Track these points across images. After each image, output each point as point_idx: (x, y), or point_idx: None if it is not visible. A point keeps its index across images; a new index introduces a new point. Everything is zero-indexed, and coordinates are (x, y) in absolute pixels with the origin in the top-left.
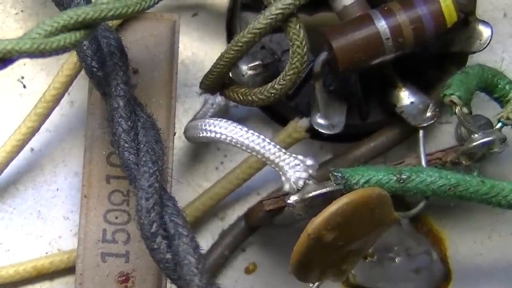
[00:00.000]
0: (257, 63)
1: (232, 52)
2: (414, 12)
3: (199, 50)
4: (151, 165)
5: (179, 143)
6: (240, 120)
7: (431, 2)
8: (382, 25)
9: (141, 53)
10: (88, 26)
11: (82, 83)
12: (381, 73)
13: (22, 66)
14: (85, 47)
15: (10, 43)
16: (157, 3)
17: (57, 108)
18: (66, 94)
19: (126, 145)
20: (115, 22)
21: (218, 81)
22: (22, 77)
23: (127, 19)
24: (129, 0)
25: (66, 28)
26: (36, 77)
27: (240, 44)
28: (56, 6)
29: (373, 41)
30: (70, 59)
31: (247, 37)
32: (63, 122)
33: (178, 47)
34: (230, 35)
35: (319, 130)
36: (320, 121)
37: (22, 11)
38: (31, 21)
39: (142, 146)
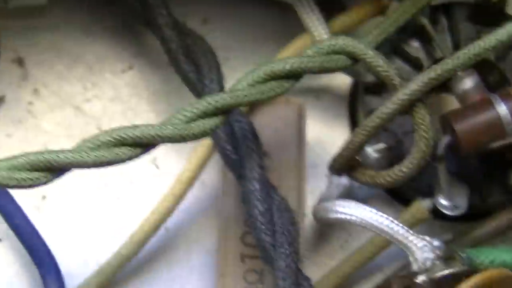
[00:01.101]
0: (381, 145)
1: (360, 136)
2: None
3: (322, 132)
4: (288, 246)
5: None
6: (363, 200)
7: None
8: (502, 109)
9: (270, 136)
10: (225, 111)
11: (212, 164)
12: (502, 154)
13: (155, 148)
14: (219, 131)
15: (153, 129)
16: (289, 89)
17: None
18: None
19: (263, 226)
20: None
21: (346, 163)
22: (155, 159)
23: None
24: (263, 86)
25: (205, 114)
26: (168, 159)
27: (368, 128)
28: (190, 91)
29: (494, 125)
30: (203, 142)
31: (375, 121)
32: (196, 202)
33: (306, 130)
34: (352, 118)
35: (443, 211)
36: (444, 202)
37: (153, 94)
38: (163, 104)
39: (277, 227)
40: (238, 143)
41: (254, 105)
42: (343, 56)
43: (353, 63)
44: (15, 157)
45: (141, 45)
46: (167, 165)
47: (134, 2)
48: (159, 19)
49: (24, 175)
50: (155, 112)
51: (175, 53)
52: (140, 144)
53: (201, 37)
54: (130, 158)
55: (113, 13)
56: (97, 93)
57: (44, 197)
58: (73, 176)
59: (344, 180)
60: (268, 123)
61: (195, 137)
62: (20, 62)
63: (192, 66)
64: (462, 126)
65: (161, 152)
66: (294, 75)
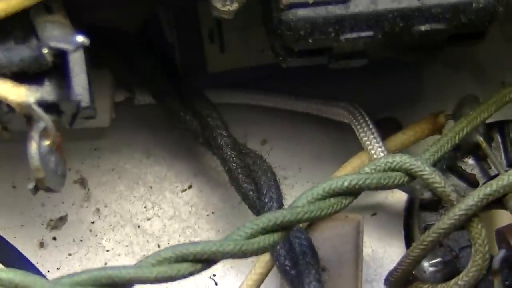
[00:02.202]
0: (437, 260)
1: (418, 251)
2: None
3: (379, 247)
4: None
5: None
6: None
7: None
8: None
9: (328, 251)
10: (284, 228)
11: (269, 279)
12: None
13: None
14: (278, 247)
15: (214, 245)
16: (347, 205)
17: None
18: None
19: None
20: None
21: (403, 277)
22: (214, 275)
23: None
24: (323, 203)
25: (265, 230)
26: (226, 275)
27: (425, 243)
28: (249, 209)
29: None
30: (262, 258)
31: (432, 236)
32: None
33: (363, 246)
34: (407, 234)
35: None
36: None
37: (213, 212)
38: (222, 222)
39: None
40: (297, 259)
41: (312, 222)
42: (400, 173)
43: (410, 180)
44: (77, 273)
45: (200, 165)
46: (226, 281)
47: (194, 123)
48: (219, 139)
49: None
50: (214, 230)
51: (235, 173)
52: (201, 260)
53: (260, 156)
54: (191, 273)
55: (173, 134)
56: (157, 212)
57: None
58: None
59: None
60: (327, 238)
61: (256, 252)
62: (82, 183)
63: (251, 185)
64: None
65: (220, 268)
66: (352, 192)
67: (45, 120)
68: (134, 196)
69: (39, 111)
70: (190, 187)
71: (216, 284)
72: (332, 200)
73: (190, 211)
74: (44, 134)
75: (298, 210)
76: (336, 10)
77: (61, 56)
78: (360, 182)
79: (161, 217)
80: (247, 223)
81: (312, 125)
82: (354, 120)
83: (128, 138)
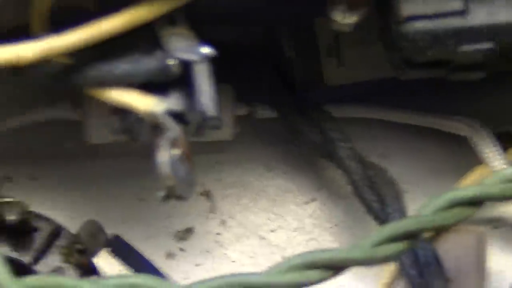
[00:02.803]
0: None
1: None
2: None
3: (502, 261)
4: None
5: None
6: None
7: None
8: None
9: (452, 262)
10: (410, 237)
11: None
12: None
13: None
14: (404, 257)
15: (343, 252)
16: (470, 216)
17: None
18: None
19: None
20: (428, 233)
21: None
22: (342, 286)
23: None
24: (446, 213)
25: (391, 239)
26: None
27: None
28: (374, 220)
29: None
30: (386, 268)
31: None
32: None
33: (486, 259)
34: None
35: None
36: None
37: (336, 225)
38: (346, 234)
39: None
40: (422, 269)
41: (436, 233)
42: None
43: None
44: (209, 280)
45: (323, 178)
46: None
47: (314, 136)
48: (340, 152)
49: None
50: (338, 242)
51: (359, 184)
52: (330, 267)
53: (382, 169)
54: (320, 280)
55: (294, 148)
56: (281, 223)
57: None
58: None
59: None
60: (450, 249)
61: (382, 260)
62: (207, 195)
63: (375, 196)
64: None
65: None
66: (476, 203)
67: (175, 129)
68: (258, 208)
69: (168, 120)
70: (313, 200)
71: None
72: (456, 210)
73: (313, 224)
74: (173, 143)
75: (422, 219)
76: (455, 22)
77: (186, 67)
78: (484, 193)
79: (285, 229)
80: (373, 232)
81: (432, 138)
82: (473, 134)
83: (250, 152)
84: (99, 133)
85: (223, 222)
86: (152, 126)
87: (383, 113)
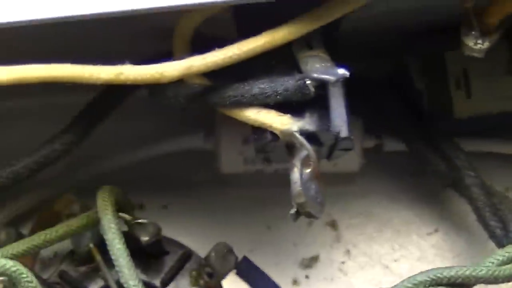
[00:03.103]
0: None
1: None
2: None
3: None
4: None
5: None
6: None
7: None
8: None
9: None
10: None
11: None
12: None
13: None
14: None
15: (468, 270)
16: None
17: None
18: None
19: None
20: None
21: None
22: None
23: None
24: None
25: None
26: None
27: None
28: (496, 246)
29: None
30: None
31: None
32: None
33: None
34: None
35: None
36: None
37: (458, 255)
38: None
39: None
40: None
41: None
42: None
43: None
44: None
45: (446, 209)
46: None
47: (441, 165)
48: (467, 180)
49: None
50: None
51: (483, 211)
52: (455, 285)
53: (506, 197)
54: None
55: (418, 180)
56: (404, 253)
57: None
58: None
59: None
60: None
61: (507, 279)
62: (333, 225)
63: (499, 223)
64: None
65: None
66: None
67: (307, 148)
68: (382, 238)
69: (301, 139)
70: (436, 231)
71: None
72: None
73: (436, 253)
74: (305, 162)
75: None
76: None
77: (321, 88)
78: None
79: (408, 259)
80: (498, 251)
81: None
82: None
83: (376, 184)
84: (231, 162)
85: (347, 252)
86: (286, 146)
87: (506, 147)
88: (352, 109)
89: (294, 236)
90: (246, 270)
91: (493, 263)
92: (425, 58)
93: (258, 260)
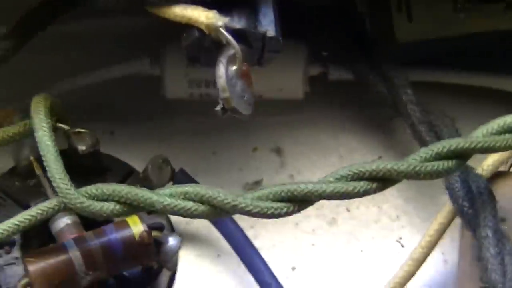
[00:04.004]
0: None
1: None
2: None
3: None
4: None
5: None
6: None
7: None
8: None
9: (509, 204)
10: (459, 156)
11: (455, 244)
12: None
13: (401, 228)
14: (457, 190)
15: (390, 164)
16: None
17: (432, 266)
18: (441, 253)
19: (493, 267)
20: (486, 175)
21: None
22: (400, 238)
23: (499, 174)
24: (497, 137)
25: (439, 156)
26: (413, 239)
27: None
28: None
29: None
30: (444, 208)
31: None
32: (437, 278)
33: None
34: None
35: None
36: None
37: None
38: (411, 191)
39: (508, 269)
40: (474, 199)
41: (497, 175)
42: None
43: None
44: (260, 189)
45: (390, 138)
46: (412, 245)
47: (381, 86)
48: (404, 97)
49: (267, 204)
50: (402, 198)
51: (418, 127)
52: (376, 179)
53: (445, 115)
54: (366, 192)
55: (364, 112)
56: None
57: (293, 268)
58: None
59: None
60: (508, 192)
61: (429, 176)
62: (278, 151)
63: (434, 139)
64: (36, 267)
65: (407, 232)
66: None
67: (232, 44)
68: (326, 165)
69: (227, 34)
70: (379, 157)
71: (402, 246)
72: (507, 135)
73: None
74: (232, 59)
75: (472, 139)
76: None
77: None
78: None
79: None
80: (423, 148)
81: (496, 100)
82: None
83: (322, 112)
84: (176, 86)
85: (291, 176)
86: (214, 42)
87: (449, 76)
88: (296, 35)
89: (239, 161)
90: (183, 181)
91: (416, 159)
92: None
93: (202, 183)
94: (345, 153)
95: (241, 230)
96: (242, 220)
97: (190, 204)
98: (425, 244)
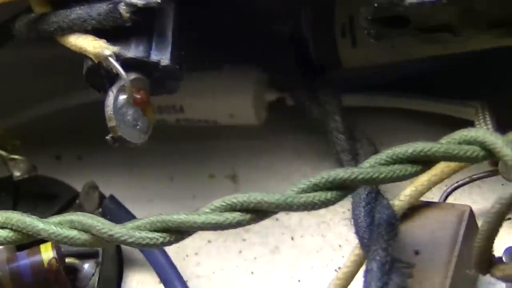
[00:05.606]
0: None
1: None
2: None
3: None
4: None
5: None
6: None
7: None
8: None
9: (425, 236)
10: (339, 187)
11: None
12: None
13: (341, 258)
14: (359, 221)
15: (261, 195)
16: (414, 175)
17: None
18: None
19: None
20: (402, 205)
21: (483, 258)
22: (339, 267)
23: (417, 206)
24: (384, 168)
25: (317, 187)
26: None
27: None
28: None
29: None
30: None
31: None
32: None
33: (463, 233)
34: None
35: None
36: None
37: (348, 209)
38: None
39: None
40: (373, 232)
41: (415, 207)
42: (474, 147)
43: (486, 156)
44: (139, 219)
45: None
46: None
47: (316, 111)
48: (331, 124)
49: (143, 234)
50: (347, 226)
51: (341, 155)
52: (249, 210)
53: (371, 143)
54: (239, 223)
55: (317, 136)
56: None
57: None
58: None
59: None
60: (427, 224)
61: (304, 207)
62: (233, 178)
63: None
64: None
65: None
66: (418, 160)
67: (120, 73)
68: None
69: (115, 64)
70: None
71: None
72: (395, 166)
73: (328, 208)
74: (122, 88)
75: (354, 170)
76: None
77: (148, 15)
78: (426, 150)
79: (300, 213)
80: (303, 180)
81: (438, 125)
82: (477, 118)
83: (279, 138)
84: None
85: None
86: (106, 72)
87: (387, 100)
88: (247, 60)
89: (194, 188)
90: (111, 208)
91: (293, 191)
92: (314, 5)
93: (155, 211)
94: (299, 180)
95: (169, 260)
96: (187, 248)
97: (74, 232)
98: (342, 275)
